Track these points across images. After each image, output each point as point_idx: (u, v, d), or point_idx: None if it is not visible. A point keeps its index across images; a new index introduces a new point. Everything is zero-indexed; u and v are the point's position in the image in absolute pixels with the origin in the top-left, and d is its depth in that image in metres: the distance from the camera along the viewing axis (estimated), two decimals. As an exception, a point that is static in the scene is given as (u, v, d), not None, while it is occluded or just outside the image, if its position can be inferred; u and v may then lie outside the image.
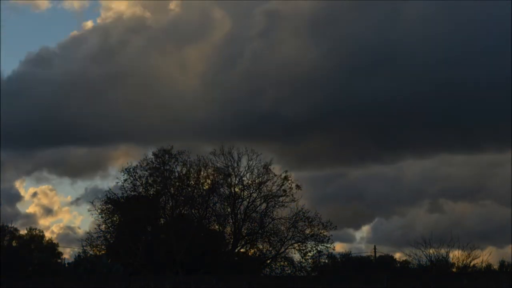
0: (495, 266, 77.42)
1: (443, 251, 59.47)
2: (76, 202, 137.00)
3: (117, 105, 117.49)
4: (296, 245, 66.49)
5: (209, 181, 66.00)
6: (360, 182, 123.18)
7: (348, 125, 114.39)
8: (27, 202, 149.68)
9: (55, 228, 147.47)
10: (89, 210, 66.23)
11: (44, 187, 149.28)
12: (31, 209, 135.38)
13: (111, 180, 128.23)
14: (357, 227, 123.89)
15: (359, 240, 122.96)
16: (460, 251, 58.91)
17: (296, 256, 66.83)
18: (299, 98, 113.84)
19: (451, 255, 59.76)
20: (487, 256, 60.19)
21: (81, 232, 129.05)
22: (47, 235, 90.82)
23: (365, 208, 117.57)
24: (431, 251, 59.54)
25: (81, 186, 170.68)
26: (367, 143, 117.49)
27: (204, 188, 65.95)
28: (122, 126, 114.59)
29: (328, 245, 66.33)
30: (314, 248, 66.31)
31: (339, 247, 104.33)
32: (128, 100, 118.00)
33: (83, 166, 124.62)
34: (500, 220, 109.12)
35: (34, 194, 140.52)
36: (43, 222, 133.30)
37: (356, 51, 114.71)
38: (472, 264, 59.10)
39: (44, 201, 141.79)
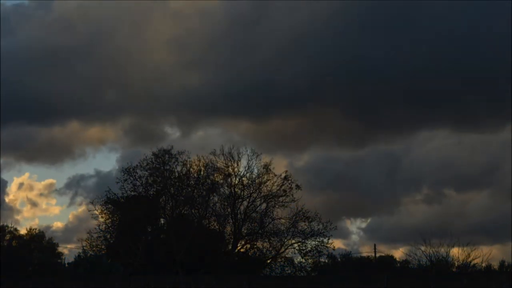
0: (495, 266, 77.32)
1: (443, 250, 59.55)
2: (49, 193, 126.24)
3: (81, 78, 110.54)
4: (296, 245, 66.55)
5: (209, 181, 66.01)
6: (350, 167, 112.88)
7: (330, 101, 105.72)
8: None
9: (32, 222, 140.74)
10: (89, 210, 66.19)
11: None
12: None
13: (85, 165, 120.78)
14: (350, 219, 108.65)
15: (354, 233, 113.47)
16: (460, 250, 58.95)
17: (296, 256, 66.94)
18: (277, 71, 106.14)
19: (451, 253, 59.83)
20: (487, 255, 60.18)
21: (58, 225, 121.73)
22: (23, 231, 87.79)
23: (357, 197, 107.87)
24: (431, 251, 59.62)
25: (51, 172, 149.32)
26: (353, 121, 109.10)
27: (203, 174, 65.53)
28: (87, 101, 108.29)
29: (328, 245, 66.34)
30: (314, 249, 66.31)
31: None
32: (92, 73, 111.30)
33: (46, 148, 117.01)
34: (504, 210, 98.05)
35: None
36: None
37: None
38: (472, 263, 59.12)
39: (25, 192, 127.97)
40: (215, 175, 66.11)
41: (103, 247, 66.85)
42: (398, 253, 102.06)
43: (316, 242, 66.10)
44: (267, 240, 66.61)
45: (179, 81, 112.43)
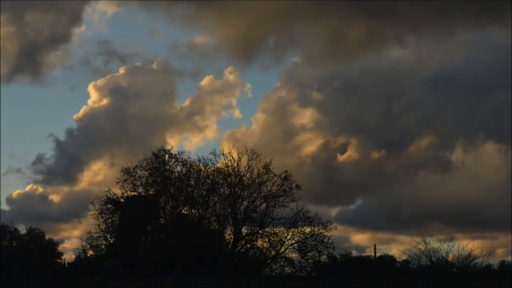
0: (495, 266, 77.34)
1: (443, 250, 59.53)
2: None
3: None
4: (296, 245, 66.50)
5: (209, 181, 66.01)
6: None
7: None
8: None
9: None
10: (89, 211, 66.12)
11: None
12: None
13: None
14: (331, 203, 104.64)
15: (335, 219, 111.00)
16: (459, 250, 58.91)
17: (296, 256, 66.88)
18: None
19: (450, 255, 59.77)
20: (487, 256, 60.14)
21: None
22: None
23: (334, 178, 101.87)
24: (431, 251, 59.57)
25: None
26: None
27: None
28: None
29: (328, 245, 66.26)
30: (314, 248, 66.28)
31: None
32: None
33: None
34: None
35: None
36: None
37: None
38: (472, 263, 59.09)
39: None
40: (215, 175, 66.20)
41: (103, 247, 66.86)
42: (398, 253, 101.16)
43: (316, 242, 66.10)
44: (267, 240, 66.66)
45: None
